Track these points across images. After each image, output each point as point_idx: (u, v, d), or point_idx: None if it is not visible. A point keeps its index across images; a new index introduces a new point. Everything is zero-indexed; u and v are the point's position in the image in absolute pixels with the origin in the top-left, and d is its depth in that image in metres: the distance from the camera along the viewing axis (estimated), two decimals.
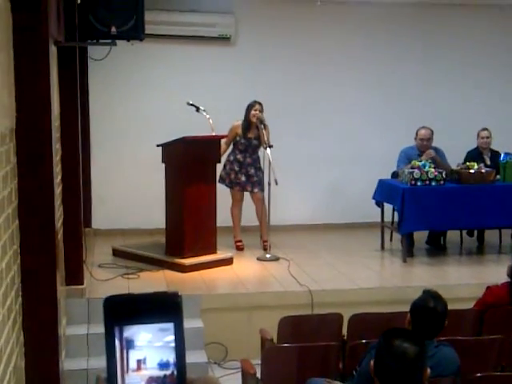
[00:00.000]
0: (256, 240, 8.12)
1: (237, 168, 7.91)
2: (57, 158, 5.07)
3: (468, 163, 7.96)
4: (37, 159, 4.09)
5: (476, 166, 7.85)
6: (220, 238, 7.53)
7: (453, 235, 8.51)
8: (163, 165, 7.21)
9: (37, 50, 4.06)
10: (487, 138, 8.49)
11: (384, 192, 8.08)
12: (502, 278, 5.16)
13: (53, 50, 4.89)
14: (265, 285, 6.96)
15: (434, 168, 7.70)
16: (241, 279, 6.94)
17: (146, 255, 7.30)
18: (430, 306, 3.71)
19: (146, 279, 6.70)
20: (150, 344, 1.03)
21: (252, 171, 7.90)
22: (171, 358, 1.04)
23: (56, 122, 5.20)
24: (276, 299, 6.40)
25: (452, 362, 3.64)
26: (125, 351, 1.03)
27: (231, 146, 7.99)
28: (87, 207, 8.03)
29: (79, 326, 5.81)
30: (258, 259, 7.66)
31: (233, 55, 9.11)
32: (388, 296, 6.38)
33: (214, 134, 7.38)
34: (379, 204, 8.25)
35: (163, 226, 7.35)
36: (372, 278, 7.26)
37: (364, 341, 4.20)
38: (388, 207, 8.24)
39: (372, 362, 2.77)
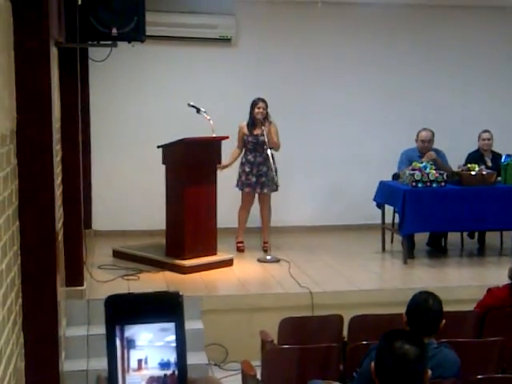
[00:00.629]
0: (256, 241, 8.11)
1: (248, 169, 7.90)
2: (57, 159, 5.07)
3: (469, 165, 7.96)
4: (37, 160, 4.09)
5: (477, 168, 7.85)
6: (221, 240, 7.53)
7: (453, 237, 8.51)
8: (164, 166, 7.21)
9: (38, 51, 4.06)
10: (488, 139, 8.49)
11: (385, 194, 8.07)
12: (503, 280, 5.16)
13: (54, 52, 4.89)
14: (265, 286, 6.95)
15: (435, 170, 7.70)
16: (241, 281, 6.94)
17: (146, 256, 7.30)
18: (424, 304, 3.72)
19: (146, 280, 6.70)
20: (150, 344, 1.03)
21: (263, 170, 7.85)
22: (172, 357, 1.04)
23: (57, 124, 5.19)
24: (276, 301, 6.40)
25: (452, 363, 3.64)
26: (126, 351, 1.03)
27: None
28: (88, 208, 8.03)
29: (79, 327, 5.80)
30: (259, 261, 7.65)
31: (234, 56, 9.12)
32: (388, 298, 6.37)
33: (214, 135, 7.37)
34: (380, 206, 8.25)
35: (163, 227, 7.35)
36: (372, 279, 7.26)
37: (364, 342, 4.19)
38: (389, 209, 8.23)
39: (373, 364, 2.77)
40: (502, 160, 8.03)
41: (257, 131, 7.84)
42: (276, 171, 7.58)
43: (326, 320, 4.97)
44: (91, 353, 5.57)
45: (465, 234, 8.60)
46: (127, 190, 8.86)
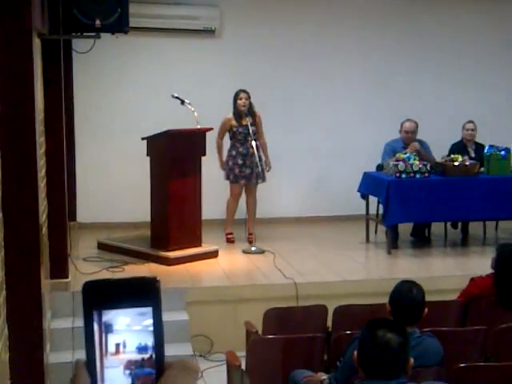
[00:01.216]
0: (242, 233, 8.13)
1: (240, 161, 7.88)
2: (41, 151, 5.05)
3: (452, 156, 8.00)
4: (20, 153, 4.08)
5: (460, 159, 7.89)
6: (206, 231, 7.54)
7: (437, 227, 8.56)
8: (148, 158, 7.20)
9: (20, 42, 4.05)
10: (472, 130, 8.54)
11: (369, 184, 8.11)
12: (486, 269, 5.20)
13: (37, 43, 4.87)
14: (250, 277, 6.97)
15: (419, 160, 7.74)
16: (226, 272, 6.95)
17: (131, 248, 7.29)
18: (407, 294, 3.75)
19: (131, 272, 6.70)
20: (128, 328, 1.04)
21: (256, 160, 7.84)
22: (150, 341, 1.05)
23: (40, 116, 5.18)
24: (261, 292, 6.42)
25: (435, 352, 3.68)
26: (103, 335, 1.04)
27: (230, 141, 7.97)
28: (72, 201, 8.00)
29: (64, 320, 5.80)
30: (244, 252, 7.67)
31: (218, 48, 9.10)
32: (373, 288, 6.41)
33: (198, 126, 7.37)
34: (364, 196, 8.28)
35: (148, 219, 7.35)
36: (357, 270, 7.30)
37: (348, 332, 4.22)
38: (373, 200, 8.27)
39: (356, 353, 2.79)
40: (485, 151, 8.07)
41: (245, 121, 7.82)
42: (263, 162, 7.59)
43: (310, 310, 5.00)
44: (76, 345, 5.56)
45: (448, 224, 8.65)
46: (112, 182, 8.85)
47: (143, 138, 7.13)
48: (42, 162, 5.11)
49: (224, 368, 4.80)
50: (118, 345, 1.04)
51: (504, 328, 4.52)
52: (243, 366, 4.35)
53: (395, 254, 7.79)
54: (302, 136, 9.40)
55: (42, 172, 5.07)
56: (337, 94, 9.51)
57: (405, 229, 8.35)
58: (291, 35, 9.28)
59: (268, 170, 7.97)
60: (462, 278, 5.71)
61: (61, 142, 5.97)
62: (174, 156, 7.07)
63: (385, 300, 3.92)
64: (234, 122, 7.87)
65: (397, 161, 7.69)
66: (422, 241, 8.39)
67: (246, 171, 7.89)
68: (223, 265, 7.20)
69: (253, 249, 7.67)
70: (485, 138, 8.48)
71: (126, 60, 8.89)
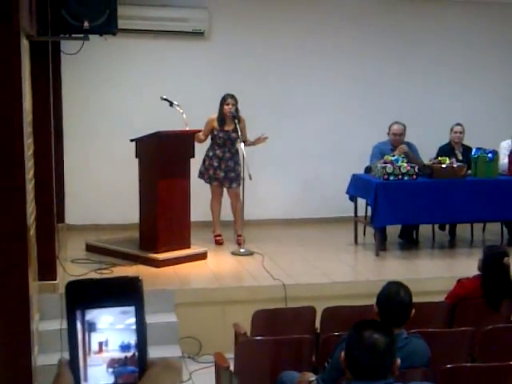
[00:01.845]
0: (230, 235, 8.14)
1: (216, 164, 7.92)
2: (29, 152, 5.04)
3: (440, 158, 8.03)
4: (8, 154, 4.07)
5: (448, 161, 7.93)
6: (196, 233, 7.54)
7: (425, 229, 8.59)
8: (137, 160, 7.19)
9: (8, 44, 4.05)
10: (460, 133, 8.58)
11: (357, 187, 8.13)
12: (473, 271, 5.23)
13: (25, 45, 4.86)
14: (239, 279, 6.98)
15: (407, 163, 7.76)
16: (215, 274, 6.95)
17: (119, 250, 7.28)
18: (395, 296, 3.76)
19: (120, 274, 6.66)
20: (111, 327, 1.05)
21: (231, 165, 7.90)
22: (132, 340, 1.06)
23: (28, 117, 5.16)
24: (250, 293, 6.42)
25: (422, 353, 3.69)
26: (86, 334, 1.05)
27: (209, 141, 7.99)
28: (60, 202, 7.98)
29: (52, 322, 5.77)
30: (233, 254, 7.67)
31: (206, 50, 9.11)
32: (361, 289, 6.42)
33: (187, 128, 7.38)
34: (353, 198, 8.30)
35: (137, 221, 7.34)
36: (345, 271, 7.31)
37: (337, 333, 4.24)
38: (361, 202, 8.29)
39: (343, 354, 2.80)
40: (473, 153, 8.12)
41: (227, 127, 7.86)
42: (247, 165, 7.56)
43: (298, 312, 5.01)
44: (64, 346, 5.52)
45: (436, 226, 8.69)
46: (100, 184, 8.83)
47: (132, 140, 7.13)
48: (29, 164, 5.10)
49: (213, 370, 4.81)
50: (101, 343, 1.05)
51: (491, 329, 4.54)
52: (232, 368, 4.35)
53: (383, 255, 7.82)
54: (291, 138, 9.42)
55: (29, 174, 5.06)
56: (325, 96, 9.53)
57: (393, 231, 8.38)
58: (280, 37, 9.29)
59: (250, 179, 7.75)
60: (450, 279, 5.74)
61: (49, 144, 5.96)
62: (162, 158, 7.07)
63: (373, 301, 3.94)
64: (215, 125, 7.88)
65: (385, 163, 7.72)
66: (409, 243, 8.42)
67: (219, 174, 7.91)
68: (212, 266, 7.20)
69: (241, 250, 7.68)
70: (473, 140, 8.53)
71: (115, 62, 8.88)
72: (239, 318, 5.25)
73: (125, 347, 1.05)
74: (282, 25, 9.28)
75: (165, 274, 6.80)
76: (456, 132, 8.58)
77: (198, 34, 9.03)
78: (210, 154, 7.96)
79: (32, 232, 5.07)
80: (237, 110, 7.81)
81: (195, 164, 7.67)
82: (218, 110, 7.87)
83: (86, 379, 1.05)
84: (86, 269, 6.79)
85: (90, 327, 1.05)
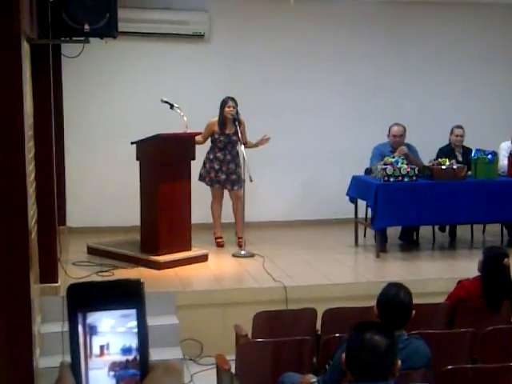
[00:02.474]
0: (231, 237, 8.15)
1: (217, 166, 7.93)
2: (30, 156, 5.05)
3: (440, 159, 8.04)
4: (9, 157, 4.08)
5: (448, 163, 7.93)
6: (197, 235, 7.55)
7: (425, 231, 8.60)
8: (138, 162, 7.20)
9: (9, 47, 4.05)
10: (461, 136, 8.57)
11: (357, 188, 8.14)
12: (474, 272, 5.24)
13: (25, 48, 4.87)
14: (240, 281, 6.99)
15: (407, 164, 7.77)
16: (216, 276, 6.96)
17: (120, 253, 7.29)
18: (396, 298, 3.75)
19: (121, 277, 6.68)
20: (112, 330, 1.06)
21: (232, 168, 7.92)
22: (134, 343, 1.06)
23: (29, 120, 5.17)
24: (251, 295, 6.43)
25: (423, 354, 3.70)
26: (88, 337, 1.05)
27: (210, 144, 8.00)
28: (62, 205, 7.99)
29: (54, 324, 5.78)
30: (233, 256, 7.68)
31: (207, 52, 9.12)
32: (361, 291, 6.43)
33: (188, 131, 7.39)
34: (353, 200, 8.31)
35: (138, 223, 7.35)
36: (346, 273, 7.32)
37: (337, 335, 4.24)
38: (361, 203, 8.30)
39: (344, 355, 2.81)
40: (472, 154, 8.12)
41: (228, 130, 7.87)
42: (248, 167, 7.56)
43: (299, 313, 5.02)
44: (66, 349, 5.51)
45: (436, 227, 8.69)
46: (101, 187, 8.85)
47: (133, 143, 7.14)
48: (31, 167, 5.11)
49: (214, 372, 4.81)
50: (102, 346, 1.06)
51: (491, 330, 4.55)
52: (233, 370, 4.36)
53: (384, 257, 7.83)
54: (291, 140, 9.43)
55: (31, 177, 5.07)
56: (324, 98, 9.54)
57: (393, 232, 8.39)
58: (280, 40, 9.31)
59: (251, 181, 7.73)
60: (450, 280, 5.76)
61: (50, 147, 5.97)
62: (163, 160, 7.08)
63: (374, 303, 3.94)
64: (216, 128, 7.89)
65: (385, 164, 7.72)
66: (410, 244, 8.42)
67: (221, 176, 7.93)
68: (213, 269, 7.21)
69: (242, 252, 7.68)
70: (472, 141, 8.53)
71: (115, 65, 8.90)
72: (240, 319, 5.26)
73: (126, 350, 1.06)
74: (282, 28, 9.30)
75: (166, 276, 6.81)
76: (457, 135, 8.57)
77: (198, 36, 9.05)
78: (211, 156, 7.97)
79: (33, 235, 5.08)
80: (237, 112, 7.82)
81: (196, 166, 7.68)
82: (218, 113, 7.88)
83: (87, 382, 1.06)
84: (88, 271, 6.80)
85: (92, 330, 1.05)
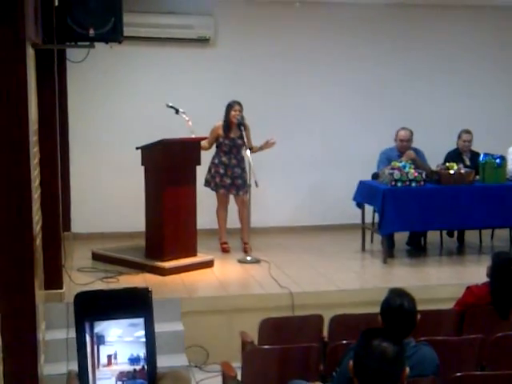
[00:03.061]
0: (237, 242, 8.12)
1: (222, 171, 7.91)
2: (34, 161, 5.03)
3: (448, 164, 8.00)
4: (14, 163, 4.06)
5: (455, 167, 7.89)
6: (202, 241, 7.53)
7: (433, 236, 8.56)
8: (143, 167, 7.18)
9: (14, 52, 4.04)
10: (469, 141, 8.52)
11: (364, 193, 8.10)
12: (482, 278, 5.19)
13: (30, 53, 4.86)
14: (245, 287, 6.95)
15: (414, 169, 7.73)
16: (221, 282, 6.93)
17: (125, 259, 7.26)
18: (397, 304, 3.69)
19: (126, 283, 6.66)
20: (120, 339, 1.04)
21: (238, 172, 7.90)
22: (141, 352, 1.04)
23: (34, 126, 5.16)
24: (257, 301, 6.39)
25: (431, 361, 3.65)
26: (95, 346, 1.04)
27: (215, 149, 7.98)
28: (66, 211, 7.98)
29: (59, 331, 5.76)
30: (239, 261, 7.65)
31: (212, 57, 9.11)
32: (369, 297, 6.37)
33: (193, 136, 7.37)
34: (360, 205, 8.28)
35: (143, 229, 7.33)
36: (353, 279, 7.28)
37: (344, 342, 4.20)
38: (369, 208, 8.26)
39: (351, 363, 2.77)
40: (480, 159, 8.08)
41: (233, 134, 7.85)
42: (254, 172, 7.52)
43: (306, 320, 4.98)
44: (71, 356, 5.52)
45: (444, 232, 8.65)
46: (106, 192, 8.83)
47: (138, 148, 7.12)
48: (35, 173, 5.09)
49: (219, 379, 4.78)
50: (109, 356, 1.04)
51: (500, 337, 4.51)
52: (239, 377, 4.32)
53: (391, 263, 7.78)
54: (297, 145, 9.40)
55: (35, 182, 5.05)
56: (332, 103, 9.52)
57: (401, 238, 8.35)
58: (285, 45, 9.29)
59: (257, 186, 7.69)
60: (458, 286, 5.70)
61: (55, 152, 5.95)
62: (168, 165, 7.06)
63: None
64: (221, 132, 7.87)
65: (392, 169, 7.69)
66: (417, 250, 8.38)
67: (226, 181, 7.90)
68: (218, 275, 7.18)
69: (248, 258, 7.65)
70: (480, 145, 8.49)
71: (120, 69, 8.89)
72: (246, 326, 5.22)
73: (134, 360, 1.04)
74: (287, 31, 9.28)
75: (171, 283, 6.78)
76: (465, 141, 8.53)
77: (203, 41, 9.04)
78: (216, 161, 7.95)
79: (38, 241, 5.06)
80: (242, 117, 7.79)
81: (201, 172, 7.66)
82: (223, 118, 7.86)
83: None
84: (92, 277, 6.78)
85: (99, 340, 1.04)
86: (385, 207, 7.58)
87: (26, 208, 4.12)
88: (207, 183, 7.98)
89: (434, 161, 8.24)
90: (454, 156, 8.44)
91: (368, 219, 8.38)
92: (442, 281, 7.13)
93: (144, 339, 1.05)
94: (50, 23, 5.76)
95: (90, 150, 8.82)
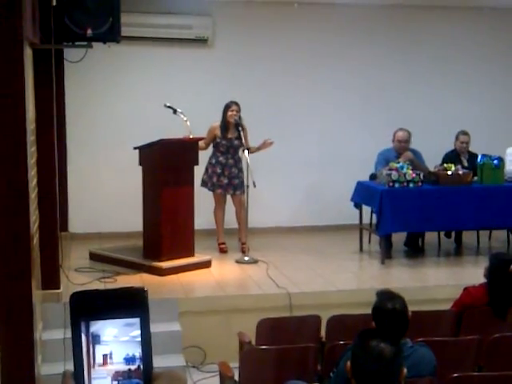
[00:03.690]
0: (235, 243, 8.11)
1: (219, 170, 7.91)
2: (32, 161, 5.02)
3: (445, 165, 8.00)
4: (11, 162, 4.05)
5: (453, 168, 7.90)
6: (200, 241, 7.52)
7: (431, 237, 8.56)
8: (140, 167, 7.18)
9: (12, 52, 4.03)
10: (467, 143, 8.53)
11: (362, 194, 8.10)
12: (480, 279, 5.19)
13: (28, 53, 4.85)
14: (243, 287, 6.95)
15: (412, 170, 7.74)
16: (219, 282, 6.92)
17: (123, 259, 7.26)
18: (390, 308, 3.66)
19: (123, 283, 6.65)
20: (115, 339, 1.04)
21: (235, 172, 7.90)
22: (137, 352, 1.04)
23: (31, 125, 5.15)
24: (254, 302, 6.39)
25: (429, 362, 3.65)
26: (91, 346, 1.04)
27: (212, 149, 7.98)
28: (64, 211, 7.98)
29: (56, 331, 5.75)
30: (237, 262, 7.64)
31: (210, 57, 9.11)
32: (366, 298, 6.31)
33: (191, 136, 7.36)
34: (357, 206, 8.27)
35: (140, 229, 7.33)
36: (350, 279, 7.28)
37: (342, 342, 4.20)
38: (366, 209, 8.26)
39: (349, 363, 2.77)
40: (478, 160, 8.08)
41: (230, 135, 7.85)
42: (251, 172, 7.51)
43: (303, 320, 4.98)
44: (68, 356, 5.50)
45: (442, 233, 8.65)
46: (104, 192, 8.82)
47: (135, 148, 7.12)
48: (33, 172, 5.08)
49: (217, 379, 4.78)
50: (105, 356, 1.04)
51: (497, 338, 4.51)
52: (236, 377, 4.33)
53: (389, 263, 7.78)
54: (295, 145, 9.40)
55: (33, 182, 5.04)
56: (330, 103, 9.52)
57: (398, 238, 8.35)
58: (284, 45, 9.29)
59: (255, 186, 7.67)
60: (456, 287, 5.71)
61: (52, 152, 5.95)
62: (166, 165, 7.06)
63: None
64: (218, 133, 7.87)
65: (390, 170, 7.69)
66: (415, 250, 8.38)
67: (223, 181, 7.90)
68: (216, 275, 7.18)
69: (246, 259, 7.65)
70: (478, 146, 8.49)
71: (118, 69, 8.88)
72: (244, 326, 5.22)
73: (129, 360, 1.04)
74: (285, 32, 9.28)
75: (168, 283, 6.78)
76: (462, 142, 8.53)
77: (201, 41, 9.04)
78: (213, 161, 7.95)
79: (35, 241, 5.05)
80: (240, 117, 7.79)
81: (199, 171, 7.65)
82: (221, 118, 7.86)
83: None
84: (90, 277, 6.78)
85: (95, 339, 1.04)
86: (382, 208, 7.58)
87: (23, 208, 4.11)
88: (204, 183, 7.98)
89: (432, 162, 8.24)
90: (452, 157, 8.44)
91: (366, 220, 8.38)
92: (440, 282, 7.14)
93: (140, 339, 1.05)
94: (48, 23, 5.75)
95: (88, 149, 8.82)
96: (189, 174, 7.30)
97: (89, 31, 5.69)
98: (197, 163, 7.40)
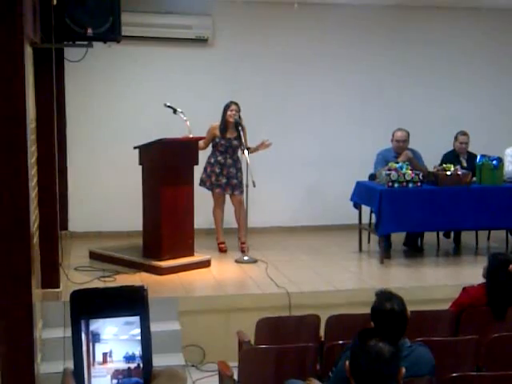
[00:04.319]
0: (234, 242, 8.12)
1: (218, 170, 7.91)
2: (32, 160, 5.03)
3: (444, 165, 8.00)
4: (12, 162, 4.06)
5: (452, 168, 7.90)
6: (200, 241, 7.53)
7: (430, 237, 8.57)
8: (140, 167, 7.18)
9: (12, 51, 4.04)
10: (466, 143, 8.53)
11: (361, 194, 8.11)
12: (478, 279, 5.19)
13: (28, 52, 4.86)
14: (242, 287, 6.95)
15: (411, 170, 7.74)
16: (218, 281, 6.93)
17: (122, 258, 7.26)
18: (388, 309, 3.67)
19: (123, 282, 6.66)
20: (115, 337, 1.05)
21: (233, 172, 7.91)
22: (137, 350, 1.05)
23: (32, 124, 5.15)
24: (254, 301, 6.40)
25: (427, 361, 3.66)
26: (91, 344, 1.04)
27: (211, 148, 7.99)
28: (64, 210, 7.98)
29: (56, 329, 5.75)
30: (236, 261, 7.65)
31: (210, 57, 9.11)
32: (365, 297, 6.32)
33: (191, 135, 7.37)
34: (357, 206, 8.28)
35: (140, 228, 7.33)
36: (350, 279, 7.29)
37: (341, 342, 4.21)
38: (366, 209, 8.27)
39: (347, 363, 2.78)
40: (477, 160, 8.08)
41: (229, 135, 7.86)
42: (251, 172, 7.51)
43: (302, 320, 4.98)
44: (67, 355, 5.49)
45: (441, 233, 8.66)
46: (104, 191, 8.83)
47: (135, 147, 7.12)
48: (33, 171, 5.09)
49: (216, 378, 4.79)
50: (105, 354, 1.04)
51: (496, 338, 4.51)
52: (235, 376, 4.33)
53: (388, 263, 7.79)
54: (294, 145, 9.41)
55: (33, 181, 5.05)
56: (329, 103, 9.52)
57: (397, 238, 8.35)
58: (283, 45, 9.30)
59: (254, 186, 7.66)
60: (455, 287, 5.71)
61: (52, 151, 5.95)
62: (166, 165, 7.06)
63: None
64: (217, 133, 7.87)
65: (389, 170, 7.69)
66: (414, 250, 8.38)
67: (221, 180, 7.91)
68: (216, 274, 7.18)
69: (245, 258, 7.65)
70: (477, 147, 8.50)
71: (119, 69, 8.89)
72: (243, 325, 5.22)
73: (129, 358, 1.05)
74: (285, 32, 9.29)
75: (168, 282, 6.78)
76: (461, 143, 8.53)
77: (201, 41, 9.05)
78: (212, 160, 7.96)
79: (35, 239, 5.05)
80: (240, 117, 7.80)
81: (198, 171, 7.66)
82: (220, 118, 7.86)
83: None
84: (90, 276, 6.78)
85: (95, 338, 1.04)
86: (382, 208, 7.59)
87: (23, 206, 4.12)
88: (202, 183, 7.98)
89: (431, 162, 8.25)
90: (451, 157, 8.44)
91: (365, 220, 8.39)
92: (439, 281, 7.14)
93: (139, 337, 1.05)
94: (49, 22, 5.76)
95: (88, 149, 8.82)
96: (188, 174, 7.30)
97: (89, 31, 5.71)
98: (196, 163, 7.40)
